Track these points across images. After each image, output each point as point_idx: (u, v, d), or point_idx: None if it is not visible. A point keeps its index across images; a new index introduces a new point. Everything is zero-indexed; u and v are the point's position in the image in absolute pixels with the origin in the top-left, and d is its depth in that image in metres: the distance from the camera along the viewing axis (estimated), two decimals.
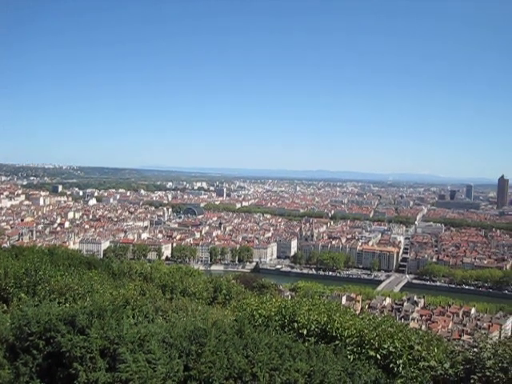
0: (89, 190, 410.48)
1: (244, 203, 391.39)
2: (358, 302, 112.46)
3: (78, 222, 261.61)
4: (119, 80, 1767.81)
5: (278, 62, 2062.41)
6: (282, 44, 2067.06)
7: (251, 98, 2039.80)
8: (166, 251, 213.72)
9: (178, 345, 8.15)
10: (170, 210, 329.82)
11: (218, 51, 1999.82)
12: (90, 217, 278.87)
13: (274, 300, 14.68)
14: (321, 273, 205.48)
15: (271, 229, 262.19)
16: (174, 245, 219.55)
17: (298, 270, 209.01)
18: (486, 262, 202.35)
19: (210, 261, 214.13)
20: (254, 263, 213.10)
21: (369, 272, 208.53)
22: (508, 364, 8.81)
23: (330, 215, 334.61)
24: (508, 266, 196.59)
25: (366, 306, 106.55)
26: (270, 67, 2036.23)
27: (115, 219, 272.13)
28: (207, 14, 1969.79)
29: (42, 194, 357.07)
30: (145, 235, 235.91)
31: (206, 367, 7.66)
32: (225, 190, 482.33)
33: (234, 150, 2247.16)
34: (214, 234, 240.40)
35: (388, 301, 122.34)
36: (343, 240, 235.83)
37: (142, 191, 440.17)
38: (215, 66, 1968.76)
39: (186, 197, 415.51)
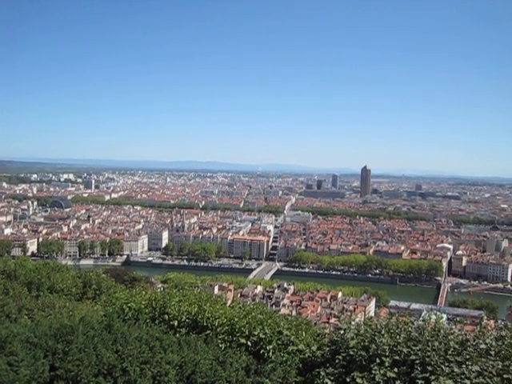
0: None
1: (113, 195, 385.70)
2: (230, 291, 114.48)
3: None
4: None
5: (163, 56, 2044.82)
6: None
7: (120, 90, 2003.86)
8: (32, 247, 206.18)
9: (43, 344, 7.87)
10: (36, 203, 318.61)
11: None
12: None
13: (144, 293, 14.51)
14: (193, 263, 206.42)
15: (142, 221, 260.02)
16: (41, 240, 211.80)
17: (170, 262, 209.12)
18: (350, 248, 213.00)
19: (79, 255, 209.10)
20: (125, 256, 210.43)
21: (240, 261, 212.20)
22: (369, 342, 9.29)
23: (200, 206, 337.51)
24: (371, 251, 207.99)
25: (238, 295, 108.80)
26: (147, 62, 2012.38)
27: None
28: None
29: None
30: (8, 230, 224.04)
31: (74, 365, 7.46)
32: (93, 181, 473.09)
33: (102, 140, 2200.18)
34: (83, 228, 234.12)
35: (259, 289, 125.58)
36: (214, 230, 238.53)
37: (4, 184, 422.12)
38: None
39: (52, 189, 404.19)
